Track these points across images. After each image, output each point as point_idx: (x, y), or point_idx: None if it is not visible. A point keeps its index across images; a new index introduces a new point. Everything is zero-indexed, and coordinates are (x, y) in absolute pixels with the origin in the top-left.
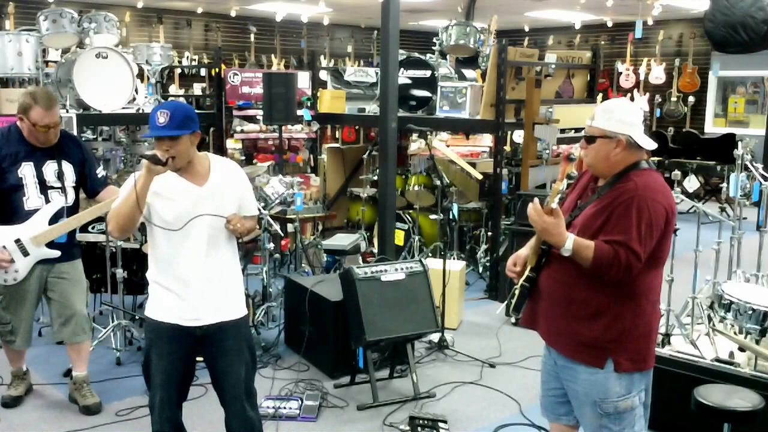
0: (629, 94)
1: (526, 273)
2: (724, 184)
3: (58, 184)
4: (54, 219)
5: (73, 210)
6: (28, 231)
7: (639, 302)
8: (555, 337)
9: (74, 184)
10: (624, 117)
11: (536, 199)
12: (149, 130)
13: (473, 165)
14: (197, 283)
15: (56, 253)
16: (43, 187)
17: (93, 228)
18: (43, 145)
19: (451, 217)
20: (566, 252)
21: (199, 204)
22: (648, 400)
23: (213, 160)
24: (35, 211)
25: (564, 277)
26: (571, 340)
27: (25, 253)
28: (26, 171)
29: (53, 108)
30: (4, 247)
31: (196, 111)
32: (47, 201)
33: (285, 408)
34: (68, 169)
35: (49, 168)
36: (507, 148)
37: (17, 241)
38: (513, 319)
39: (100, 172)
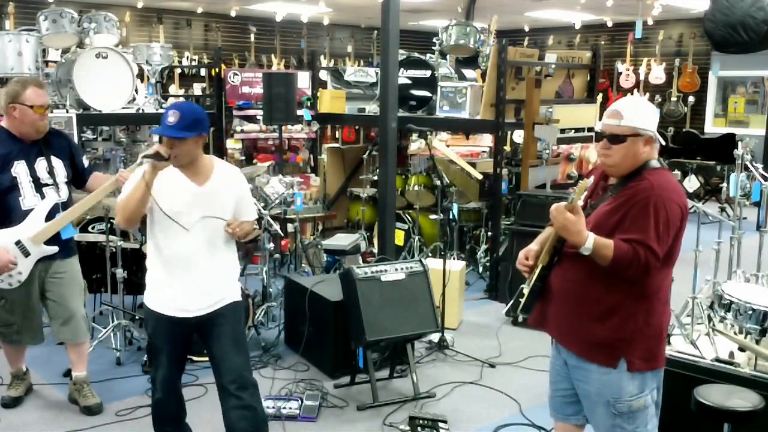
0: (629, 95)
1: (538, 271)
2: (724, 184)
3: (51, 181)
4: (49, 216)
5: (67, 206)
6: (27, 231)
7: (651, 301)
8: (566, 337)
9: (66, 179)
10: (648, 114)
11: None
12: (160, 126)
13: (473, 165)
14: (194, 276)
15: (55, 249)
16: (38, 185)
17: (93, 228)
18: (38, 134)
19: (451, 217)
20: (586, 251)
21: (196, 202)
22: (659, 399)
23: (217, 163)
24: (32, 210)
25: (577, 276)
26: (584, 340)
27: (26, 254)
28: (19, 170)
29: (45, 88)
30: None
31: None
32: (42, 199)
33: (285, 408)
34: (58, 164)
35: (41, 165)
36: (507, 148)
37: (17, 242)
38: (521, 318)
39: (85, 161)
